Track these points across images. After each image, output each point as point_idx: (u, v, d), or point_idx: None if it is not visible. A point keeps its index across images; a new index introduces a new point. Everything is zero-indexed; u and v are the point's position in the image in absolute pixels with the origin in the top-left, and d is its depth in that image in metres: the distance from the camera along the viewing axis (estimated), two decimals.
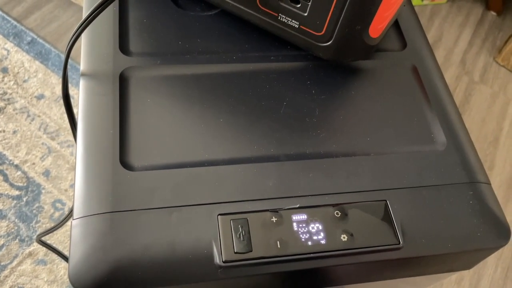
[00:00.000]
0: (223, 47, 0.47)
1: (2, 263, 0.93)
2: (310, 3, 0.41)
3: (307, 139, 0.42)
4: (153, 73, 0.44)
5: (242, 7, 0.45)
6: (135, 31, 0.47)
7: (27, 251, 0.94)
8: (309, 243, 0.36)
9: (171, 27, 0.48)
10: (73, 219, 0.36)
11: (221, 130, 0.42)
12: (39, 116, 1.10)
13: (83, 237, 0.35)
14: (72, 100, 0.69)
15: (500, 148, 1.22)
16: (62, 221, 0.62)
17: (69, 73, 1.16)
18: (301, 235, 0.36)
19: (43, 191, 1.01)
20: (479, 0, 1.51)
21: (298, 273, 0.37)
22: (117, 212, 0.36)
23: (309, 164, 0.40)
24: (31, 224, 0.97)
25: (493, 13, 1.48)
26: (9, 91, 1.13)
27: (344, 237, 0.37)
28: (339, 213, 0.38)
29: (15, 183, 1.01)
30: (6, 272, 0.92)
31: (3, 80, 1.15)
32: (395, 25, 0.53)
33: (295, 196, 0.38)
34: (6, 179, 1.02)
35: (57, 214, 0.99)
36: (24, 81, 1.15)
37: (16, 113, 1.10)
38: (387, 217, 0.38)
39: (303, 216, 0.37)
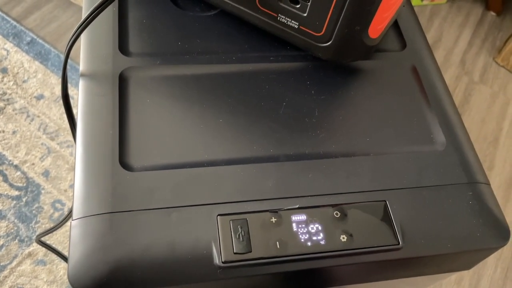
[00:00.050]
0: (223, 48, 0.47)
1: (1, 264, 0.93)
2: (309, 4, 0.41)
3: (307, 140, 0.42)
4: (153, 73, 0.44)
5: (241, 8, 0.45)
6: (134, 32, 0.47)
7: (26, 251, 0.94)
8: (309, 243, 0.36)
9: (170, 27, 0.48)
10: (72, 220, 0.36)
11: (220, 130, 0.41)
12: (38, 116, 1.10)
13: (82, 237, 0.35)
14: (71, 101, 0.69)
15: (500, 148, 1.22)
16: (62, 221, 0.62)
17: (69, 74, 1.16)
18: (300, 236, 0.36)
19: (42, 191, 1.01)
20: (478, 1, 1.51)
21: (297, 273, 0.37)
22: (116, 212, 0.36)
23: (308, 165, 0.40)
24: (30, 225, 0.97)
25: (493, 13, 1.48)
26: (9, 91, 1.13)
27: (343, 238, 0.37)
28: (339, 214, 0.38)
29: (15, 184, 1.01)
30: (5, 272, 0.92)
31: (2, 81, 1.15)
32: (395, 25, 0.53)
33: (294, 197, 0.38)
34: (5, 180, 1.02)
35: (56, 215, 0.99)
36: (24, 82, 1.15)
37: (16, 114, 1.10)
38: (386, 218, 0.38)
39: (303, 217, 0.37)
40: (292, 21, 0.44)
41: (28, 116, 1.10)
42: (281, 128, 0.43)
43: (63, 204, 1.00)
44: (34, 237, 0.96)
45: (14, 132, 1.07)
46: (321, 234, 0.36)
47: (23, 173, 1.03)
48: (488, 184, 0.42)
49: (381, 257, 0.37)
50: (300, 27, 0.44)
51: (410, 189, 0.40)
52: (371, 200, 0.39)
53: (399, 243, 0.37)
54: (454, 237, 0.39)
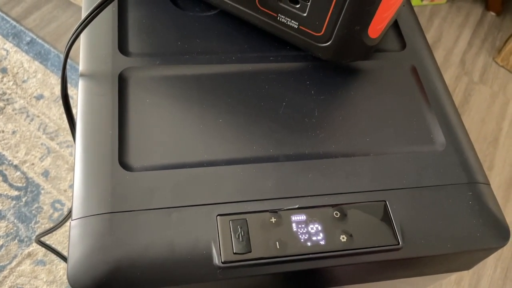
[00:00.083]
0: (222, 48, 0.47)
1: (1, 264, 0.93)
2: (309, 4, 0.41)
3: (307, 140, 0.42)
4: (152, 73, 0.44)
5: (241, 8, 0.45)
6: (134, 32, 0.47)
7: (26, 251, 0.94)
8: (308, 243, 0.36)
9: (170, 27, 0.48)
10: (72, 220, 0.36)
11: (220, 130, 0.41)
12: (38, 116, 1.10)
13: (82, 237, 0.35)
14: (71, 101, 0.69)
15: (500, 149, 1.22)
16: (61, 221, 0.62)
17: (68, 74, 1.16)
18: (300, 236, 0.36)
19: (42, 191, 1.01)
20: (478, 1, 1.51)
21: (297, 273, 0.37)
22: (116, 212, 0.36)
23: (308, 165, 0.40)
24: (30, 225, 0.97)
25: (493, 13, 1.49)
26: (8, 91, 1.13)
27: (343, 238, 0.37)
28: (338, 214, 0.38)
29: (14, 184, 1.01)
30: (5, 272, 0.92)
31: (2, 81, 1.14)
32: (395, 25, 0.53)
33: (294, 197, 0.38)
34: (5, 180, 1.01)
35: (56, 215, 0.99)
36: (23, 81, 1.15)
37: (15, 114, 1.10)
38: (386, 218, 0.38)
39: (302, 217, 0.37)
40: (292, 21, 0.44)
41: (27, 116, 1.10)
42: (281, 128, 0.42)
43: (62, 204, 1.00)
44: (33, 237, 0.96)
45: (13, 132, 1.07)
46: (321, 234, 0.36)
47: (23, 173, 1.03)
48: (488, 184, 0.42)
49: (381, 257, 0.37)
50: (300, 27, 0.44)
51: (410, 189, 0.40)
52: (371, 200, 0.39)
53: (399, 243, 0.37)
54: (454, 237, 0.39)
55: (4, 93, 1.13)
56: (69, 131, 1.08)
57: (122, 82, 0.43)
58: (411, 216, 0.39)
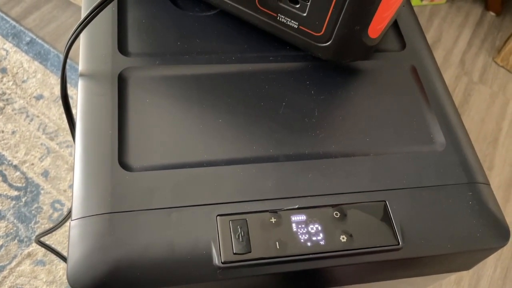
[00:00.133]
0: (222, 48, 0.47)
1: (0, 264, 0.92)
2: (309, 4, 0.41)
3: (306, 140, 0.42)
4: (152, 73, 0.44)
5: (241, 8, 0.45)
6: (134, 32, 0.47)
7: (26, 251, 0.94)
8: (308, 243, 0.36)
9: (170, 27, 0.48)
10: (71, 220, 0.36)
11: (220, 130, 0.41)
12: (38, 116, 1.10)
13: (81, 237, 0.35)
14: (71, 101, 0.68)
15: (500, 149, 1.22)
16: (61, 221, 0.62)
17: (68, 74, 1.16)
18: (300, 236, 0.36)
19: (42, 191, 1.01)
20: (478, 1, 1.51)
21: (297, 274, 0.37)
22: (116, 212, 0.35)
23: (308, 165, 0.40)
24: (30, 225, 0.97)
25: (492, 13, 1.49)
26: (8, 91, 1.13)
27: (343, 238, 0.36)
28: (338, 214, 0.38)
29: (14, 184, 1.01)
30: (4, 272, 0.92)
31: (2, 81, 1.14)
32: (394, 25, 0.53)
33: (294, 197, 0.38)
34: (5, 180, 1.01)
35: (56, 215, 0.99)
36: (23, 82, 1.15)
37: (15, 114, 1.10)
38: (386, 218, 0.38)
39: (302, 217, 0.37)
40: (292, 21, 0.43)
41: (27, 116, 1.10)
42: (281, 128, 0.42)
43: (62, 204, 1.00)
44: (33, 238, 0.96)
45: (13, 132, 1.07)
46: (321, 234, 0.36)
47: (23, 173, 1.03)
48: (488, 184, 0.42)
49: (381, 257, 0.37)
50: (300, 27, 0.44)
51: (410, 189, 0.40)
52: (371, 200, 0.39)
53: (399, 243, 0.37)
54: (454, 237, 0.39)
55: (4, 93, 1.12)
56: (69, 131, 1.08)
57: (121, 82, 0.43)
58: (411, 216, 0.39)
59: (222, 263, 0.34)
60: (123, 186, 0.37)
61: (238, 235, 0.35)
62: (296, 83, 0.46)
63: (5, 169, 1.03)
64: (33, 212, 0.98)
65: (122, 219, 0.35)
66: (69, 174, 1.03)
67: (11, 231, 0.96)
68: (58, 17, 1.27)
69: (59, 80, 1.15)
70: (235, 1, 0.45)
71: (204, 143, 0.40)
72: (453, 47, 1.39)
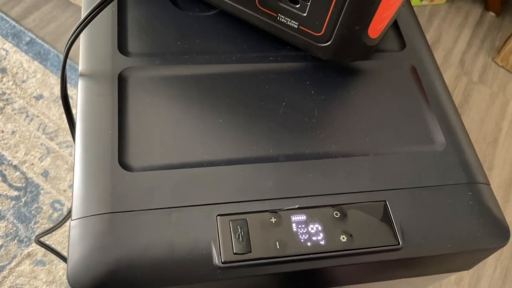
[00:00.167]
0: (222, 48, 0.47)
1: (0, 264, 0.92)
2: (309, 4, 0.41)
3: (306, 140, 0.42)
4: (152, 73, 0.44)
5: (241, 8, 0.45)
6: (133, 32, 0.47)
7: (25, 251, 0.94)
8: (309, 243, 0.36)
9: (170, 27, 0.48)
10: (71, 220, 0.36)
11: (220, 130, 0.41)
12: (37, 116, 1.10)
13: (81, 237, 0.35)
14: (70, 101, 0.68)
15: (499, 149, 1.22)
16: (61, 221, 0.62)
17: (68, 74, 1.16)
18: (300, 236, 0.36)
19: (41, 191, 1.01)
20: (478, 1, 1.51)
21: (297, 274, 0.37)
22: (116, 212, 0.35)
23: (308, 165, 0.40)
24: (29, 225, 0.97)
25: (492, 13, 1.49)
26: (8, 91, 1.13)
27: (343, 238, 0.36)
28: (339, 214, 0.38)
29: (14, 184, 1.01)
30: (4, 273, 0.92)
31: (1, 81, 1.14)
32: (394, 25, 0.53)
33: (294, 197, 0.38)
34: (4, 180, 1.01)
35: (55, 215, 0.99)
36: (23, 81, 1.15)
37: (15, 114, 1.10)
38: (386, 218, 0.38)
39: (302, 217, 0.37)
40: (292, 21, 0.43)
41: (27, 116, 1.10)
42: (281, 128, 0.42)
43: (62, 204, 1.00)
44: (33, 238, 0.96)
45: (13, 132, 1.07)
46: (321, 234, 0.36)
47: (22, 173, 1.03)
48: (488, 184, 0.42)
49: (381, 257, 0.37)
50: (300, 27, 0.44)
51: (410, 189, 0.40)
52: (371, 200, 0.39)
53: (399, 243, 0.37)
54: (454, 237, 0.39)
55: (4, 93, 1.12)
56: (69, 131, 1.08)
57: (121, 82, 0.43)
58: (411, 216, 0.39)
59: (222, 263, 0.34)
60: (123, 186, 0.37)
61: (238, 235, 0.35)
62: (296, 83, 0.46)
63: (5, 169, 1.03)
64: (33, 212, 0.98)
65: (122, 219, 0.35)
66: (69, 174, 1.03)
67: (11, 231, 0.96)
68: (58, 17, 1.27)
69: (59, 80, 1.15)
70: (235, 1, 0.45)
71: (204, 143, 0.40)
72: (452, 47, 1.39)
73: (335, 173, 0.40)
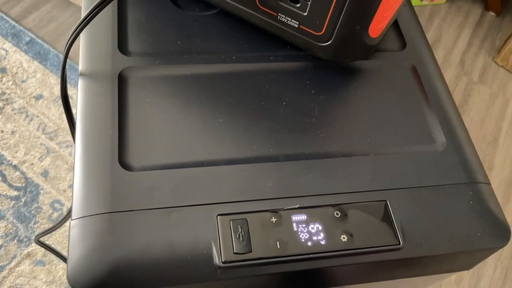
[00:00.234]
0: (222, 47, 0.47)
1: (0, 264, 0.92)
2: (309, 3, 0.41)
3: (307, 139, 0.42)
4: (152, 73, 0.44)
5: (241, 7, 0.45)
6: (134, 31, 0.47)
7: (25, 251, 0.94)
8: (309, 243, 0.36)
9: (170, 27, 0.48)
10: (71, 220, 0.36)
11: (220, 130, 0.41)
12: (37, 116, 1.10)
13: (81, 237, 0.35)
14: (70, 100, 0.68)
15: (499, 149, 1.22)
16: (61, 221, 0.62)
17: (68, 73, 1.16)
18: (300, 236, 0.36)
19: (41, 191, 1.01)
20: (478, 1, 1.51)
21: (298, 273, 0.37)
22: (116, 212, 0.35)
23: (308, 164, 0.40)
24: (29, 225, 0.97)
25: (492, 13, 1.49)
26: (8, 91, 1.13)
27: (344, 238, 0.36)
28: (339, 214, 0.38)
29: (14, 184, 1.01)
30: (4, 273, 0.92)
31: (1, 80, 1.14)
32: (395, 25, 0.53)
33: (294, 197, 0.38)
34: (4, 180, 1.01)
35: (55, 215, 0.99)
36: (23, 81, 1.15)
37: (15, 113, 1.10)
38: (387, 218, 0.38)
39: (303, 217, 0.37)
40: (292, 21, 0.43)
41: (27, 116, 1.10)
42: (281, 128, 0.42)
43: (62, 204, 1.00)
44: (33, 238, 0.95)
45: (13, 132, 1.07)
46: (322, 234, 0.36)
47: (22, 173, 1.02)
48: (489, 183, 0.42)
49: (382, 257, 0.37)
50: (300, 26, 0.43)
51: (411, 189, 0.40)
52: (371, 200, 0.39)
53: (399, 243, 0.37)
54: (454, 237, 0.39)
55: (4, 93, 1.12)
56: (69, 131, 1.08)
57: (122, 82, 0.43)
58: (411, 216, 0.38)
59: (223, 262, 0.34)
60: (123, 185, 0.37)
61: (239, 235, 0.35)
62: (296, 82, 0.46)
63: (5, 169, 1.02)
64: (32, 212, 0.98)
65: (122, 219, 0.35)
66: (69, 174, 1.03)
67: (11, 231, 0.96)
68: (57, 17, 1.27)
69: (58, 80, 1.15)
70: (235, 0, 0.45)
71: (204, 142, 0.40)
72: (453, 47, 1.39)
73: (336, 173, 0.40)
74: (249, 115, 0.43)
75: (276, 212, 0.37)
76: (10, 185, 1.01)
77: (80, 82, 0.43)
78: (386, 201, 0.39)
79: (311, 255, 0.36)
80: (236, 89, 0.44)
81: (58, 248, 0.95)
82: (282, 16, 0.44)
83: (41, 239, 0.81)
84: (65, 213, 0.99)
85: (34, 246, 0.95)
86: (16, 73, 1.16)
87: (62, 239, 0.96)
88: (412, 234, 0.38)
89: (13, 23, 1.23)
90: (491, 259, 1.05)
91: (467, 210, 0.40)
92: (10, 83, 1.14)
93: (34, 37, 1.21)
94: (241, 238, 0.35)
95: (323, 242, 0.36)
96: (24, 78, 1.15)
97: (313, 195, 0.38)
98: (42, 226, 0.97)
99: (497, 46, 1.41)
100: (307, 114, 0.44)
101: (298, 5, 0.42)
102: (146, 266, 0.34)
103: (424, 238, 0.38)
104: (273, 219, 0.36)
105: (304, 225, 0.36)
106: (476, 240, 0.39)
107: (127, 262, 0.34)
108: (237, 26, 0.49)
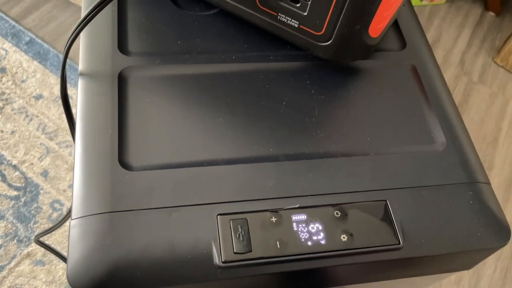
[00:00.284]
0: (222, 47, 0.47)
1: (0, 264, 0.92)
2: (309, 3, 0.41)
3: (307, 139, 0.42)
4: (152, 73, 0.44)
5: (241, 7, 0.45)
6: (134, 31, 0.47)
7: (25, 251, 0.94)
8: (309, 243, 0.36)
9: (170, 26, 0.48)
10: (71, 220, 0.36)
11: (220, 130, 0.41)
12: (37, 116, 1.10)
13: (81, 237, 0.35)
14: (70, 100, 0.68)
15: (499, 149, 1.22)
16: (61, 221, 0.62)
17: (68, 73, 1.16)
18: (300, 235, 0.36)
19: (41, 191, 1.01)
20: (477, 1, 1.51)
21: (298, 273, 0.37)
22: (116, 212, 0.35)
23: (308, 164, 0.40)
24: (29, 225, 0.97)
25: (492, 13, 1.49)
26: (7, 91, 1.13)
27: (344, 237, 0.36)
28: (339, 213, 0.38)
29: (13, 184, 1.01)
30: (4, 273, 0.92)
31: (1, 80, 1.14)
32: (395, 25, 0.53)
33: (294, 196, 0.38)
34: (4, 180, 1.01)
35: (55, 215, 0.99)
36: (23, 81, 1.15)
37: (15, 113, 1.10)
38: (387, 217, 0.38)
39: (303, 216, 0.37)
40: (292, 20, 0.43)
41: (27, 116, 1.10)
42: (281, 127, 0.42)
43: (62, 204, 1.00)
44: (32, 237, 0.95)
45: (12, 132, 1.07)
46: (322, 234, 0.36)
47: (22, 173, 1.02)
48: (489, 183, 0.42)
49: (382, 257, 0.37)
50: (300, 26, 0.43)
51: (411, 188, 0.40)
52: (371, 200, 0.39)
53: (399, 242, 0.37)
54: (454, 237, 0.39)
55: (3, 93, 1.12)
56: (68, 131, 1.08)
57: (121, 82, 0.43)
58: (411, 216, 0.38)
59: (223, 262, 0.34)
60: (123, 185, 0.37)
61: (239, 235, 0.35)
62: (296, 82, 0.46)
63: (5, 169, 1.02)
64: (32, 212, 0.98)
65: (122, 219, 0.35)
66: (69, 174, 1.03)
67: (10, 231, 0.96)
68: (57, 16, 1.27)
69: (58, 80, 1.15)
70: (235, 0, 0.45)
71: (204, 142, 0.40)
72: (452, 47, 1.39)
73: (336, 173, 0.40)
74: (249, 115, 0.43)
75: (276, 212, 0.37)
76: (10, 185, 1.01)
77: (80, 82, 0.43)
78: (386, 201, 0.39)
79: (311, 255, 0.36)
80: (236, 89, 0.44)
81: (58, 248, 0.95)
82: (282, 16, 0.44)
83: (41, 239, 0.81)
84: (65, 213, 0.99)
85: (34, 246, 0.95)
86: (16, 73, 1.16)
87: (62, 239, 0.96)
88: (412, 234, 0.38)
89: (13, 23, 1.23)
90: (491, 259, 1.05)
91: (467, 210, 0.40)
92: (10, 83, 1.14)
93: (34, 37, 1.21)
94: (241, 237, 0.35)
95: (323, 242, 0.36)
96: (24, 78, 1.15)
97: (313, 195, 0.38)
98: (42, 226, 0.97)
99: (497, 46, 1.41)
100: (307, 114, 0.44)
101: (298, 5, 0.42)
102: (146, 266, 0.34)
103: (424, 238, 0.38)
104: (273, 219, 0.36)
105: (304, 225, 0.36)
106: (476, 240, 0.39)
107: (127, 262, 0.34)
108: (237, 26, 0.49)
